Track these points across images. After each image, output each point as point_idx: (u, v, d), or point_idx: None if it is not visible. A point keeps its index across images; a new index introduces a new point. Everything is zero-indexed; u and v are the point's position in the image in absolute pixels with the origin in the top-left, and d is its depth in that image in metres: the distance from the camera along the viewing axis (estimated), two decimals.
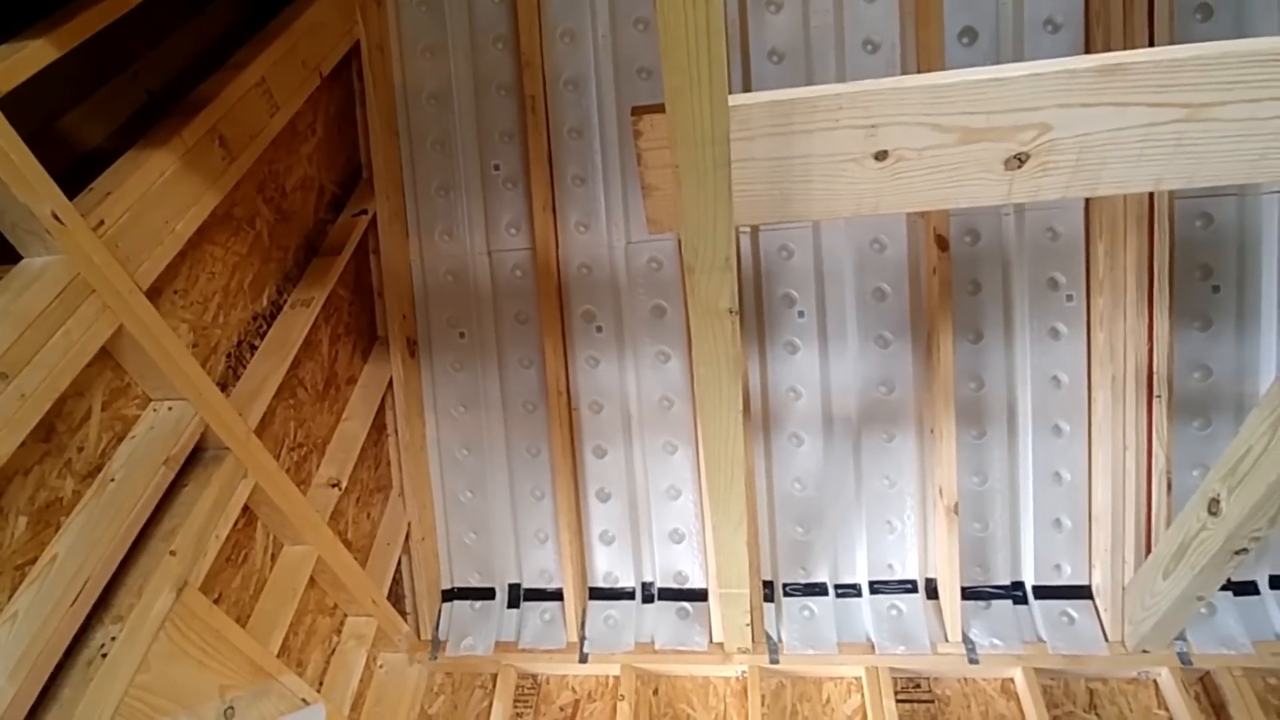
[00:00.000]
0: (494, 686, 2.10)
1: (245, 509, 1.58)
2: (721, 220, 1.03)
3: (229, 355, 1.58)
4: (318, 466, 1.89)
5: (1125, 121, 1.01)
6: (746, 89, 2.00)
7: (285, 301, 1.77)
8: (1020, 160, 1.06)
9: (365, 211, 2.05)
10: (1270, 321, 1.86)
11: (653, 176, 1.10)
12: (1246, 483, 1.42)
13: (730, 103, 1.03)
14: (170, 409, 1.35)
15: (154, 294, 1.33)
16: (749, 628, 1.93)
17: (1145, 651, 1.89)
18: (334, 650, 1.91)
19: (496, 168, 2.11)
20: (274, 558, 1.70)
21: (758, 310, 2.04)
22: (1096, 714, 1.88)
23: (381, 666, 2.11)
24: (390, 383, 2.15)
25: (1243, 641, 1.87)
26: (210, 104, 1.42)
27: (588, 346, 2.12)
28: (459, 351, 2.19)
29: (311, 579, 1.80)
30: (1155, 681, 1.90)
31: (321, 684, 1.85)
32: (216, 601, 1.50)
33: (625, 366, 2.11)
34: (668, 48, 0.87)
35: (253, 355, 1.65)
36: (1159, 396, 1.82)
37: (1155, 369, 1.82)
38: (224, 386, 1.54)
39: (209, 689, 1.38)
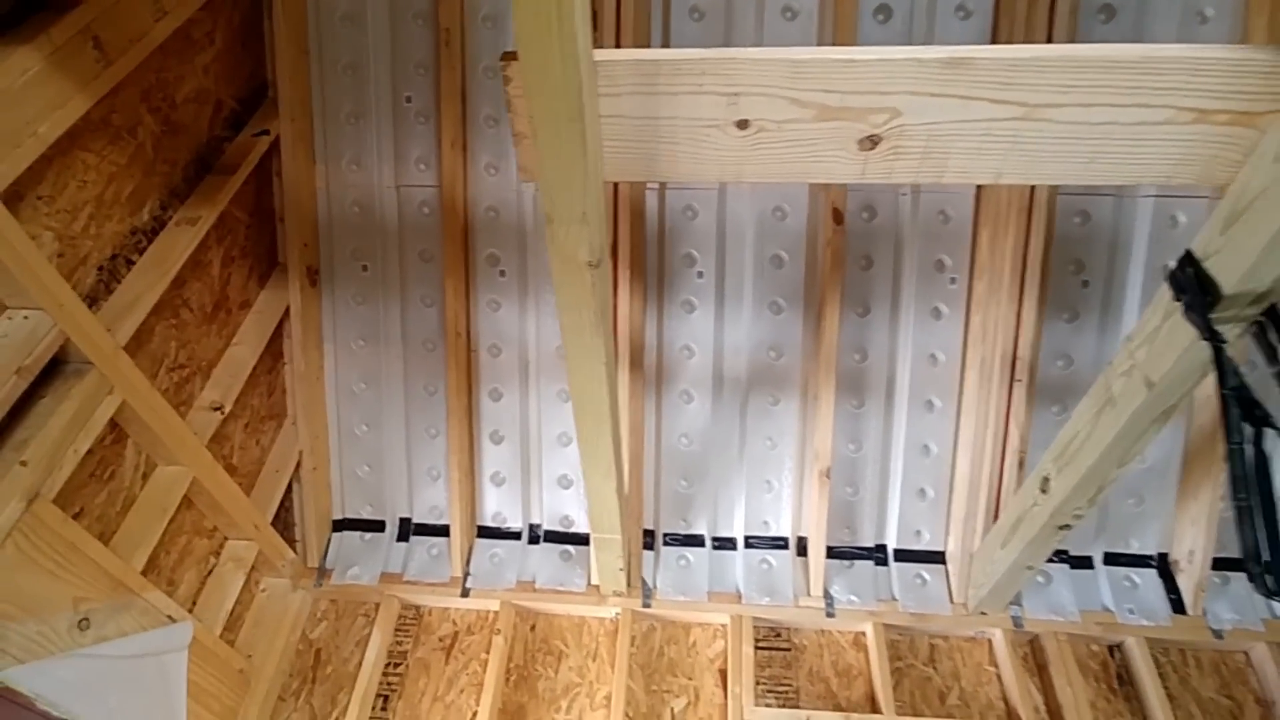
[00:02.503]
0: (376, 615, 2.15)
1: (114, 426, 1.57)
2: (577, 173, 1.05)
3: (101, 268, 1.54)
4: (201, 389, 1.87)
5: (968, 114, 1.06)
6: (666, 43, 2.00)
7: (170, 218, 1.73)
8: (873, 141, 1.10)
9: (267, 132, 1.99)
10: (1132, 318, 1.98)
11: (521, 124, 1.10)
12: (1072, 465, 1.54)
13: (596, 58, 1.05)
14: (26, 318, 1.32)
15: (13, 198, 1.29)
16: (623, 572, 2.02)
17: (983, 614, 2.04)
18: (210, 572, 1.92)
19: (409, 100, 2.07)
20: (145, 477, 1.69)
21: (659, 267, 2.07)
22: (934, 667, 2.04)
23: (264, 590, 2.13)
24: (287, 310, 2.12)
25: (1071, 610, 2.04)
26: (84, 2, 1.35)
27: (490, 290, 2.13)
28: (361, 284, 2.17)
29: (189, 501, 1.80)
30: (990, 641, 2.06)
31: (195, 604, 1.86)
32: (77, 516, 1.49)
33: (526, 312, 2.13)
34: None
35: (129, 270, 1.62)
36: (1019, 381, 1.94)
37: (1019, 355, 1.92)
38: (94, 300, 1.51)
39: (61, 600, 1.39)
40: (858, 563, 2.15)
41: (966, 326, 2.02)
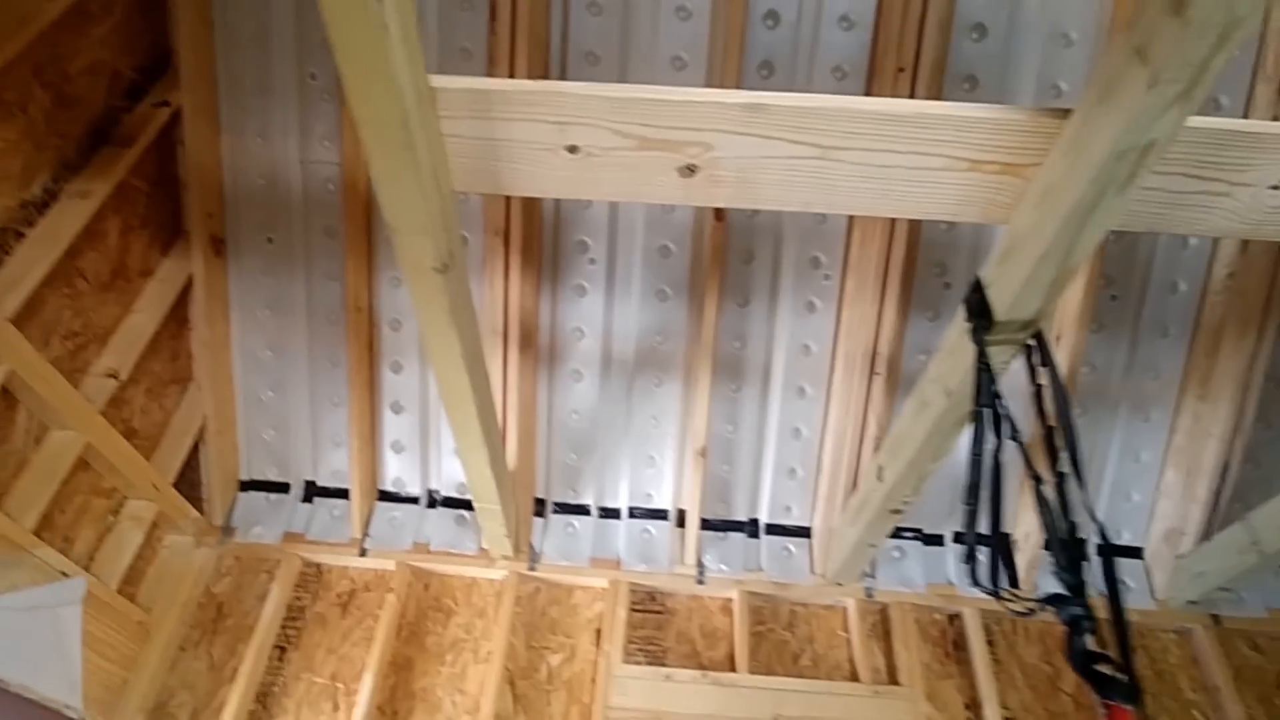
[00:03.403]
0: (278, 572, 2.27)
1: (5, 393, 1.64)
2: (412, 191, 1.14)
3: None
4: (98, 356, 1.93)
5: (771, 151, 1.17)
6: (565, 38, 2.05)
7: (63, 190, 1.77)
8: (691, 170, 1.21)
9: (167, 103, 2.02)
10: None
11: None
12: (898, 457, 1.70)
13: (434, 84, 1.14)
14: None
15: None
16: (508, 538, 2.16)
17: (839, 584, 2.23)
18: (109, 530, 2.02)
19: (313, 76, 2.11)
20: (38, 441, 1.77)
21: (554, 252, 2.17)
22: (792, 632, 2.23)
23: (166, 547, 2.23)
24: (192, 279, 2.18)
25: (919, 583, 2.24)
26: None
27: (392, 266, 2.20)
28: (267, 256, 2.23)
29: (86, 462, 1.88)
30: (844, 609, 2.26)
31: (92, 560, 1.95)
32: None
33: None
34: (336, 41, 0.95)
35: (19, 243, 1.67)
36: (878, 374, 2.09)
37: (879, 350, 2.08)
38: None
39: None
40: (731, 534, 2.33)
41: (838, 321, 2.16)
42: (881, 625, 2.24)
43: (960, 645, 2.21)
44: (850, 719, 2.04)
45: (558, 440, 2.31)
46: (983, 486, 1.21)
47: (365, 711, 2.00)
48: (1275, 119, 1.91)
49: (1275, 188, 1.15)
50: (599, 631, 2.20)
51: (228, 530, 2.33)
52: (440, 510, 2.37)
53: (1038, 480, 1.21)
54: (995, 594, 1.23)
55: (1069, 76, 1.97)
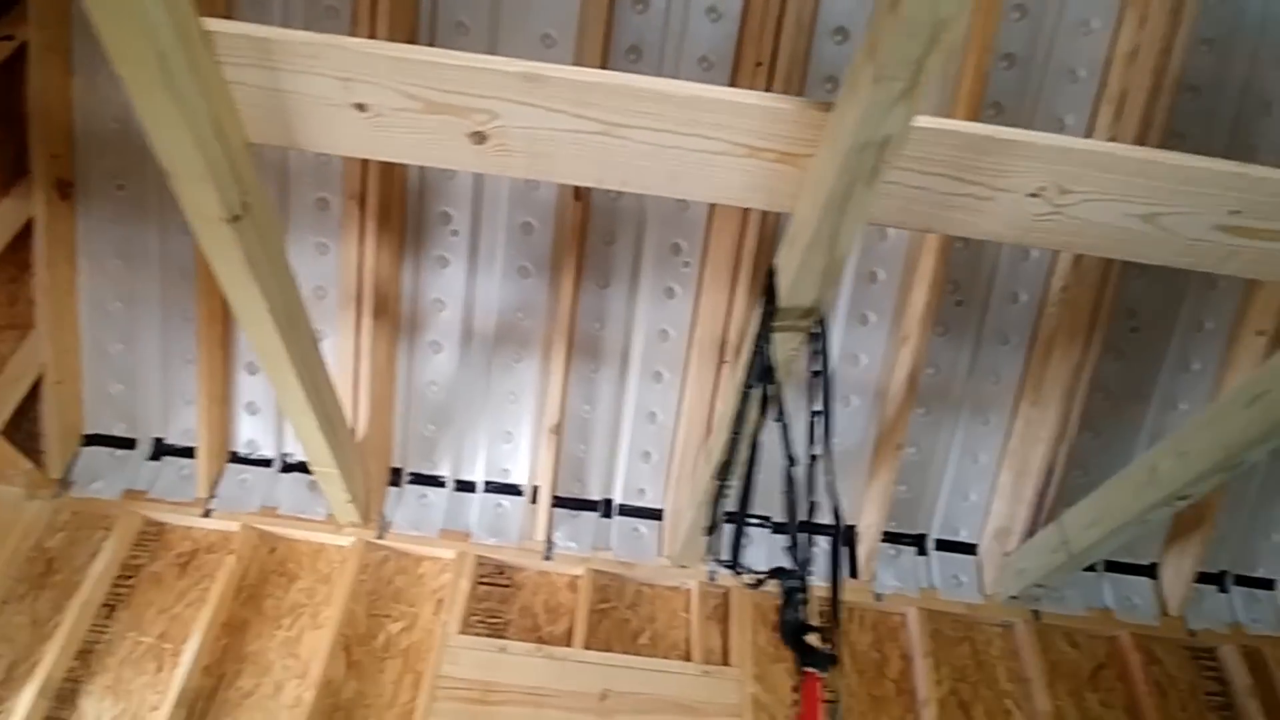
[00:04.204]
0: (115, 528, 2.21)
1: None
2: (183, 135, 1.12)
3: None
4: None
5: (556, 124, 1.19)
6: (435, 4, 2.03)
7: None
8: (481, 138, 1.22)
9: (11, 37, 1.94)
10: (841, 315, 2.20)
11: None
12: (718, 447, 1.74)
13: (210, 28, 1.12)
14: None
15: None
16: (352, 504, 2.14)
17: (684, 567, 2.28)
18: None
19: None
20: None
21: (418, 221, 2.15)
22: (635, 610, 2.27)
23: None
24: (34, 222, 2.10)
25: (761, 569, 2.29)
26: None
27: None
28: (118, 204, 2.16)
29: None
30: (688, 591, 2.30)
31: None
32: None
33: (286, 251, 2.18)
34: None
35: None
36: (727, 361, 2.13)
37: (728, 339, 2.12)
38: None
39: None
40: (584, 513, 2.35)
41: (696, 308, 2.20)
42: (722, 608, 2.29)
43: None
44: (678, 696, 2.09)
45: (415, 410, 2.30)
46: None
47: (188, 671, 1.97)
48: (1113, 139, 2.00)
49: (1033, 195, 1.21)
50: (443, 602, 2.21)
51: (65, 484, 2.26)
52: (294, 475, 2.34)
53: (792, 462, 1.25)
54: (730, 567, 1.28)
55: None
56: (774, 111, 1.15)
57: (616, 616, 2.25)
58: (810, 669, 1.08)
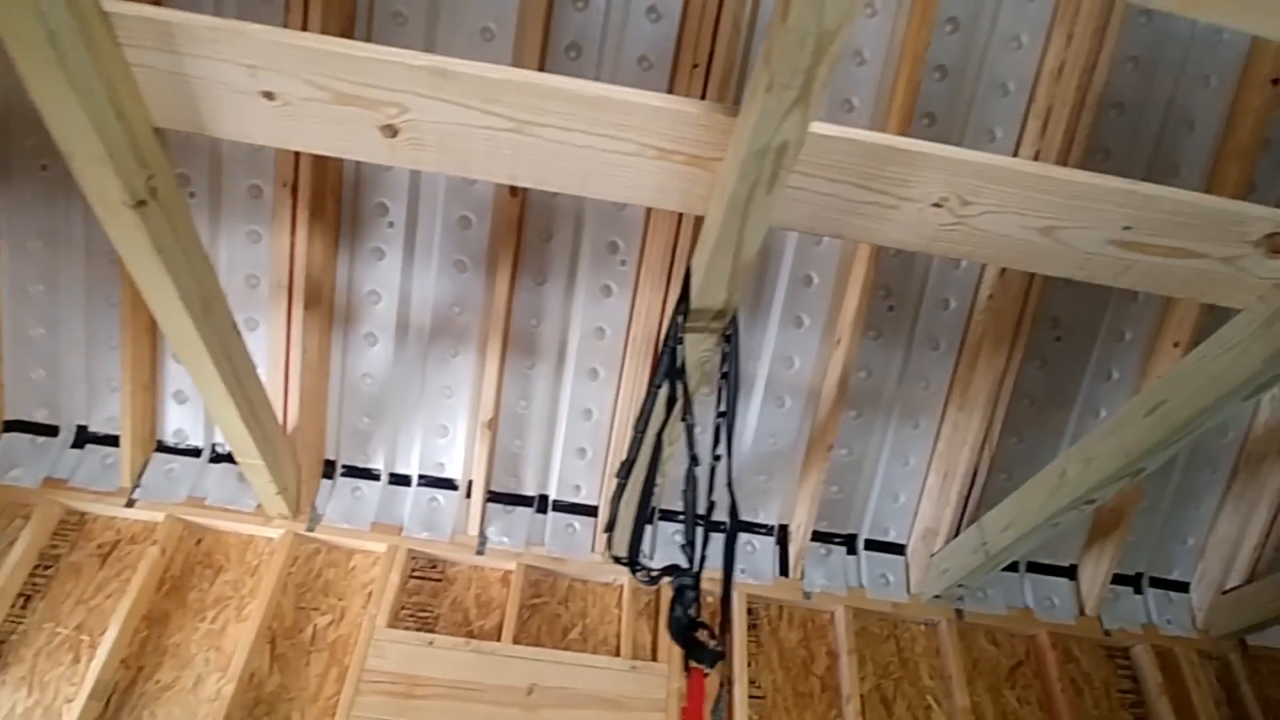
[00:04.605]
0: (34, 517, 2.16)
1: None
2: (79, 117, 1.10)
3: None
4: None
5: (467, 120, 1.19)
6: None
7: None
8: (393, 131, 1.21)
9: None
10: (775, 318, 2.23)
11: None
12: (645, 444, 1.75)
13: (106, 8, 1.10)
14: None
15: None
16: (280, 496, 2.12)
17: (617, 561, 2.29)
18: None
19: None
20: None
21: (354, 212, 2.13)
22: (566, 606, 2.28)
23: None
24: None
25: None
26: None
27: None
28: (41, 185, 2.10)
29: None
30: (620, 588, 2.32)
31: None
32: None
33: (217, 238, 2.14)
34: None
35: None
36: None
37: (662, 338, 2.13)
38: None
39: None
40: (518, 509, 2.35)
41: (632, 306, 2.20)
42: (654, 604, 2.31)
43: (725, 627, 2.30)
44: (604, 691, 2.10)
45: (350, 403, 2.28)
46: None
47: (105, 663, 1.93)
48: (1038, 154, 2.05)
49: (937, 205, 1.24)
50: (371, 595, 2.19)
51: None
52: (224, 466, 2.30)
53: (694, 461, 1.27)
54: (627, 564, 1.29)
55: (861, 92, 2.06)
56: (681, 115, 1.16)
57: (548, 611, 2.26)
58: (697, 664, 1.09)
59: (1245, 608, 2.38)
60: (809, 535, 2.35)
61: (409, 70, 1.13)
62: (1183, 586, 2.55)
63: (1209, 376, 1.41)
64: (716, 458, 1.25)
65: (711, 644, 1.09)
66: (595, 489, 2.37)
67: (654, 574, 1.20)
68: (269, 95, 1.18)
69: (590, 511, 2.37)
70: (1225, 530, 2.43)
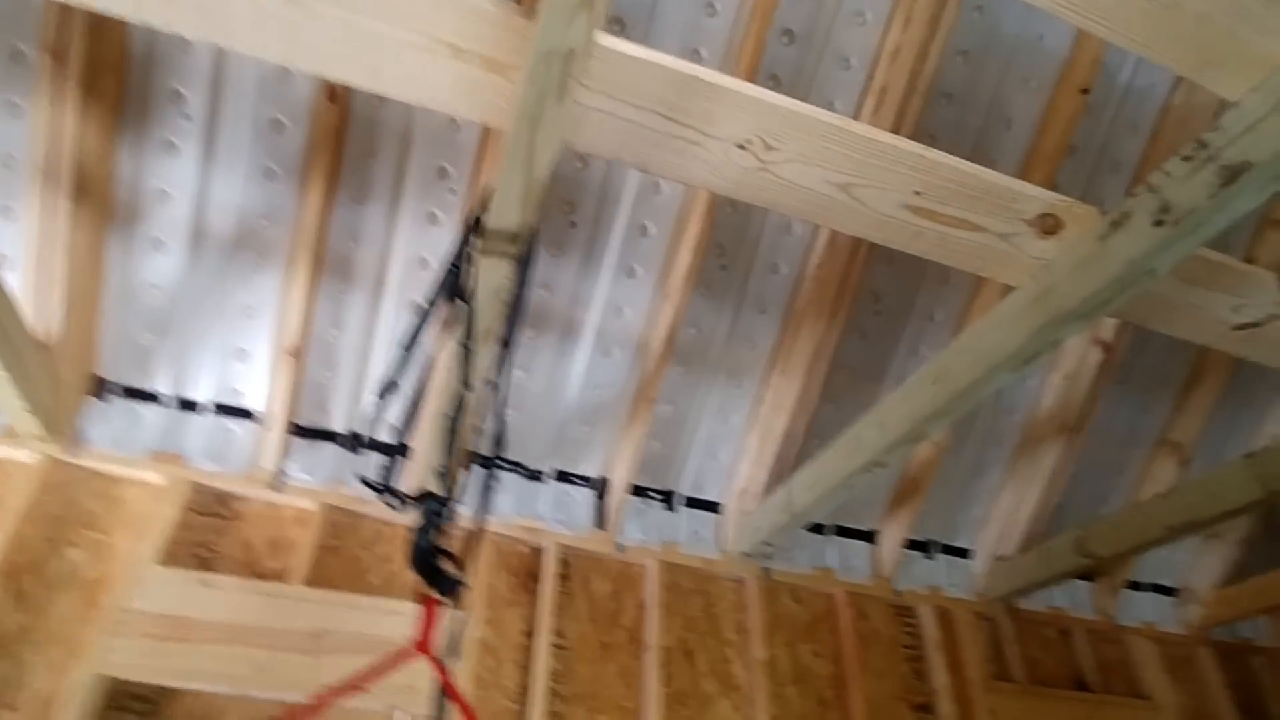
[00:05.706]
0: None
1: None
2: None
3: None
4: None
5: None
6: None
7: None
8: None
9: None
10: (612, 260, 2.17)
11: None
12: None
13: None
14: None
15: None
16: (33, 414, 1.86)
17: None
18: None
19: None
20: None
21: (142, 95, 1.87)
22: (370, 550, 2.17)
23: None
24: None
25: (509, 514, 2.27)
26: None
27: None
28: None
29: None
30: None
31: None
32: None
33: None
34: None
35: None
36: None
37: None
38: None
39: None
40: (326, 445, 2.20)
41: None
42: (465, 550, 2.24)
43: (536, 577, 2.27)
44: (400, 638, 2.01)
45: (130, 314, 2.04)
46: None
47: None
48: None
49: (741, 147, 1.21)
50: (142, 531, 1.98)
51: None
52: None
53: (466, 386, 1.21)
54: (377, 489, 1.22)
55: (710, 44, 2.02)
56: (475, 10, 1.06)
57: (347, 555, 2.14)
58: (435, 595, 1.04)
59: (1016, 574, 2.61)
60: (628, 489, 2.35)
61: None
62: (968, 553, 2.76)
63: (984, 349, 1.49)
64: (493, 385, 1.18)
65: (454, 574, 1.04)
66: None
67: (404, 499, 1.13)
68: None
69: (404, 452, 2.25)
70: (1006, 503, 2.65)
